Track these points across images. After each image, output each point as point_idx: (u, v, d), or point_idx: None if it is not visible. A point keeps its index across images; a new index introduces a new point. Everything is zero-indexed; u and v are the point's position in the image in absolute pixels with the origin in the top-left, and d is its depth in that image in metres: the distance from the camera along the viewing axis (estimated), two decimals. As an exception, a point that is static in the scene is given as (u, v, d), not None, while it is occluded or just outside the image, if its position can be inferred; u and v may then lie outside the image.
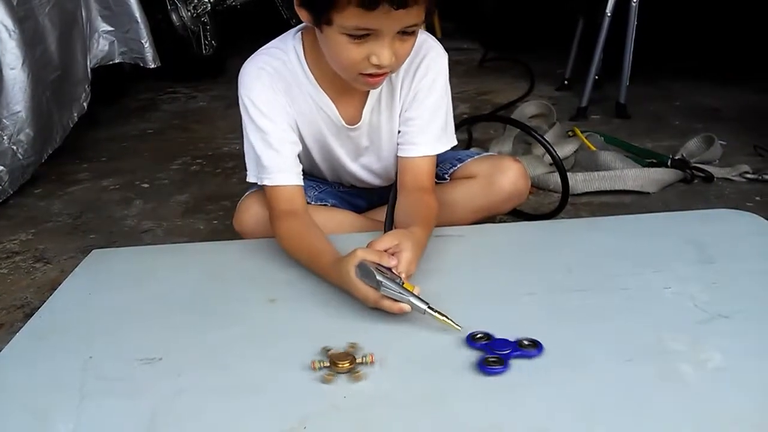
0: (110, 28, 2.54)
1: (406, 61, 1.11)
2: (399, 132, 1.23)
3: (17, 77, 2.00)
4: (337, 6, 0.95)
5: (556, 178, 1.73)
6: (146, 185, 2.02)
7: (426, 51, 1.18)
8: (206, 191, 1.94)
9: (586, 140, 1.95)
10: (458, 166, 1.34)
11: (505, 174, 1.29)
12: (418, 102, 1.20)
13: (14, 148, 1.98)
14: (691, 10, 2.65)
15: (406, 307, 0.91)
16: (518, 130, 2.03)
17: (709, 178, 1.76)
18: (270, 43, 1.21)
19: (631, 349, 0.87)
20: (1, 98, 1.97)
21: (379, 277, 0.91)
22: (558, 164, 1.56)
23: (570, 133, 2.12)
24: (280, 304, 1.03)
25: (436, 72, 1.19)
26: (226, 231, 1.66)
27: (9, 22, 1.98)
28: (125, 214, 1.81)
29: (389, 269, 0.93)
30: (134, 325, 1.00)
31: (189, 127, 2.64)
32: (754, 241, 1.24)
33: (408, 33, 1.01)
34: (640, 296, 1.02)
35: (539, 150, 1.92)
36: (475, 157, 1.36)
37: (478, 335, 0.89)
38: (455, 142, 1.26)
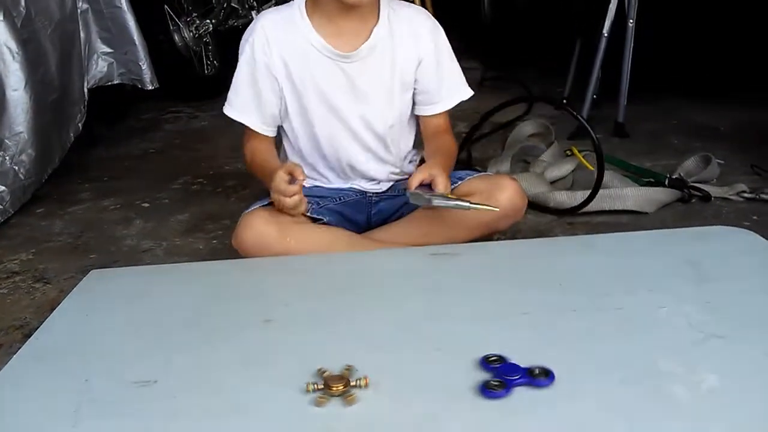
0: (109, 50, 2.57)
1: (407, 23, 1.33)
2: (414, 93, 1.39)
3: (20, 98, 2.02)
4: None
5: (556, 197, 1.74)
6: (147, 204, 2.03)
7: (423, 20, 1.37)
8: (206, 210, 1.95)
9: (583, 160, 1.96)
10: (457, 184, 1.37)
11: (502, 191, 1.33)
12: (426, 66, 1.36)
13: (16, 168, 2.00)
14: (690, 29, 2.67)
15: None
16: (517, 149, 2.04)
17: (706, 197, 1.77)
18: None
19: (625, 371, 0.87)
20: (4, 119, 1.99)
21: (427, 196, 1.23)
22: (596, 145, 1.68)
23: (568, 153, 2.13)
24: (276, 325, 1.03)
25: (437, 35, 1.37)
26: (225, 250, 1.66)
27: (13, 44, 2.01)
28: (125, 234, 1.82)
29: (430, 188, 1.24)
30: (130, 346, 1.00)
31: (191, 146, 2.66)
32: (750, 259, 1.24)
33: None
34: (635, 316, 1.02)
35: (538, 168, 1.93)
36: (474, 176, 1.40)
37: (492, 357, 0.88)
38: (471, 92, 1.43)
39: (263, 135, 1.39)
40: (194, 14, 3.48)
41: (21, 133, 2.01)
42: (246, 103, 1.36)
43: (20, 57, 2.02)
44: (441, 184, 1.24)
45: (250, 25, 1.34)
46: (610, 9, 2.26)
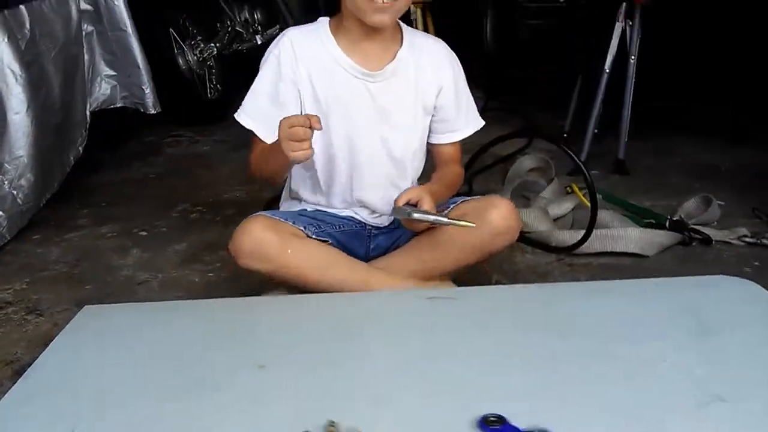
0: (113, 72, 2.58)
1: (428, 52, 1.37)
2: (431, 120, 1.41)
3: (21, 122, 2.01)
4: None
5: (558, 236, 1.73)
6: (144, 233, 2.02)
7: (443, 50, 1.41)
8: (204, 240, 1.94)
9: (583, 198, 1.95)
10: (451, 207, 1.38)
11: (495, 209, 1.33)
12: (446, 95, 1.39)
13: (14, 193, 1.99)
14: (692, 67, 2.69)
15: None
16: (517, 183, 2.04)
17: (707, 240, 1.76)
18: None
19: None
20: (4, 142, 1.99)
21: (408, 210, 1.26)
22: (590, 186, 1.69)
23: (568, 190, 2.12)
24: (270, 371, 1.02)
25: (456, 66, 1.41)
26: (221, 284, 1.66)
27: (16, 67, 2.01)
28: (121, 264, 1.80)
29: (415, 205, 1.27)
30: (122, 390, 0.98)
31: (191, 172, 2.65)
32: (751, 310, 1.23)
33: None
34: (637, 368, 1.01)
35: (538, 205, 1.93)
36: (467, 199, 1.42)
37: (492, 418, 0.86)
38: (482, 123, 1.47)
39: None
40: (199, 38, 3.50)
41: (21, 157, 2.00)
42: (262, 113, 1.33)
43: (23, 79, 2.02)
44: (426, 204, 1.27)
45: (277, 38, 1.35)
46: (612, 45, 2.28)
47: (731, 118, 2.80)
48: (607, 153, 2.54)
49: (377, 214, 1.44)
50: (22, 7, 2.07)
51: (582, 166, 1.74)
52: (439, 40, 1.45)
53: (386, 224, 1.45)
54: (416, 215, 1.25)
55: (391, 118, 1.36)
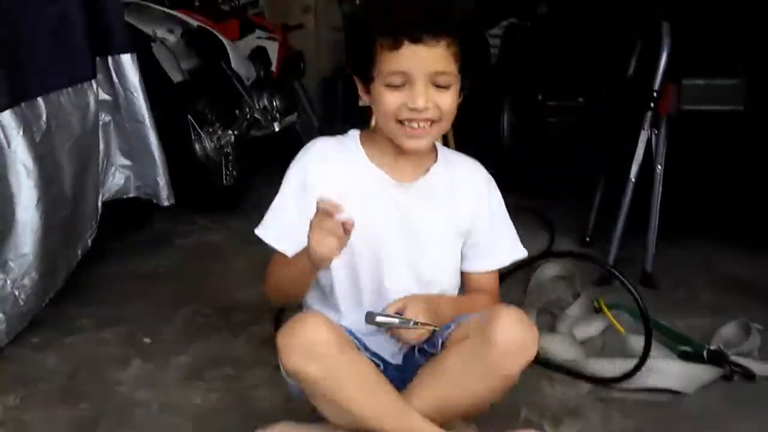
0: (128, 163, 2.53)
1: (466, 177, 1.30)
2: (463, 245, 1.32)
3: (30, 218, 1.94)
4: (373, 57, 1.14)
5: (593, 365, 1.61)
6: (148, 340, 1.91)
7: (480, 172, 1.34)
8: (210, 351, 1.84)
9: (614, 320, 1.84)
10: (451, 327, 1.20)
11: (497, 322, 1.12)
12: (481, 219, 1.30)
13: (17, 293, 1.90)
14: (718, 175, 2.62)
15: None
16: (542, 300, 1.94)
17: (749, 375, 1.64)
18: None
19: None
20: (11, 239, 1.91)
21: (376, 314, 1.15)
22: (644, 316, 1.58)
23: (595, 305, 2.01)
24: None
25: (493, 190, 1.33)
26: (225, 411, 1.54)
27: (29, 161, 1.95)
28: (121, 378, 1.69)
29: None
30: None
31: (202, 266, 2.57)
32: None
33: (442, 86, 1.14)
34: None
35: (565, 324, 1.82)
36: (471, 316, 1.22)
37: None
38: (523, 252, 1.35)
39: None
40: (217, 124, 3.49)
41: (26, 255, 1.92)
42: (286, 229, 1.23)
43: (35, 174, 1.96)
44: (410, 312, 1.16)
45: (304, 148, 1.30)
46: (637, 153, 2.21)
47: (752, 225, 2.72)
48: (631, 260, 2.44)
49: (393, 351, 1.30)
50: (39, 99, 2.04)
51: (639, 300, 1.61)
52: (476, 161, 1.37)
53: (401, 363, 1.32)
54: (379, 319, 1.15)
55: (420, 236, 1.27)
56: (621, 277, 1.68)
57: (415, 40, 1.11)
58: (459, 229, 1.30)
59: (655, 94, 2.14)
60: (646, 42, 2.36)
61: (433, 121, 1.17)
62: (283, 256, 1.23)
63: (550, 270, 2.26)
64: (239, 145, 3.60)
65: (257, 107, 3.82)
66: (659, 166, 2.19)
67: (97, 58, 2.36)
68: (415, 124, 1.16)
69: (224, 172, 3.50)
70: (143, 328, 1.99)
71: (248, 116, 3.74)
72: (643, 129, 2.18)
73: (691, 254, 2.63)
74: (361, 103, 1.28)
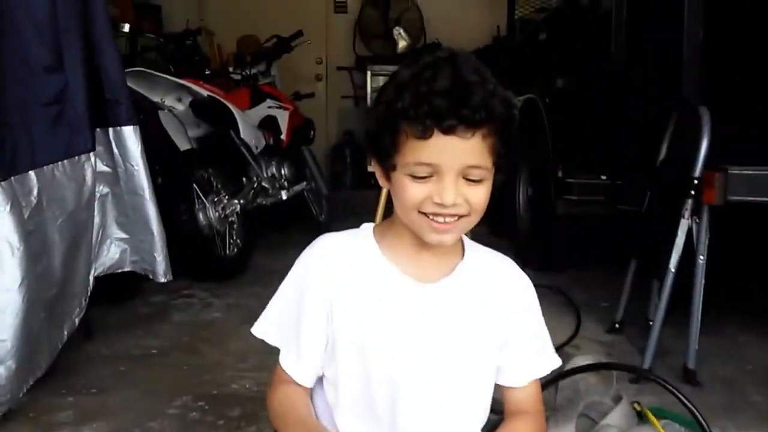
0: (124, 236, 2.39)
1: (500, 277, 1.11)
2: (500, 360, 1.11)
3: (11, 300, 1.77)
4: (398, 144, 0.97)
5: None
6: (133, 439, 1.71)
7: (514, 271, 1.14)
8: (201, 456, 1.63)
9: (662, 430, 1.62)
10: None
11: None
12: (514, 326, 1.10)
13: (-10, 384, 1.71)
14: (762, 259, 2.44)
15: None
16: (578, 407, 1.72)
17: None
18: None
19: None
20: (-12, 325, 1.74)
21: None
22: None
23: (636, 407, 1.79)
24: None
25: (528, 292, 1.13)
26: None
27: (15, 238, 1.79)
28: (98, 490, 1.48)
29: None
30: None
31: (197, 348, 2.37)
32: None
33: (474, 180, 0.97)
34: None
35: (605, 437, 1.60)
36: None
37: None
38: (558, 362, 1.15)
39: (298, 384, 1.09)
40: (223, 193, 3.36)
41: (4, 341, 1.74)
42: (285, 337, 1.09)
43: (21, 252, 1.80)
44: None
45: (309, 248, 1.11)
46: (677, 243, 2.03)
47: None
48: (667, 352, 2.24)
49: None
50: (31, 172, 1.90)
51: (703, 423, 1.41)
52: (506, 258, 1.17)
53: None
54: None
55: (446, 347, 1.06)
56: (685, 399, 1.46)
57: (448, 130, 0.94)
58: (493, 337, 1.09)
59: (695, 182, 1.97)
60: (680, 125, 2.23)
61: (461, 216, 1.00)
62: (284, 373, 1.08)
63: (581, 361, 2.05)
64: (245, 213, 3.47)
65: (265, 175, 3.70)
66: (701, 257, 2.00)
67: (98, 130, 2.25)
68: (441, 219, 0.99)
69: (228, 241, 3.36)
70: (131, 422, 1.78)
71: (255, 185, 3.62)
72: (683, 217, 2.00)
73: (731, 343, 2.44)
74: (370, 169, 1.12)
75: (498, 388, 1.14)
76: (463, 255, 1.10)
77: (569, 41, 3.46)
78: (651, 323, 2.48)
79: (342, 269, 1.06)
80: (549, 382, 1.94)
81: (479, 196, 0.98)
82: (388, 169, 1.00)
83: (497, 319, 1.09)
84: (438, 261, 1.07)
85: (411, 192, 0.98)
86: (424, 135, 0.94)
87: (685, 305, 2.14)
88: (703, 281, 2.03)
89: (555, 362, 1.15)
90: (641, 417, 1.79)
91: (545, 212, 3.19)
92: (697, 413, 1.46)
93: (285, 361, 1.08)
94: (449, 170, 0.95)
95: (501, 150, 0.98)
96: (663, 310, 2.09)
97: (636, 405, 1.82)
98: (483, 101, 0.94)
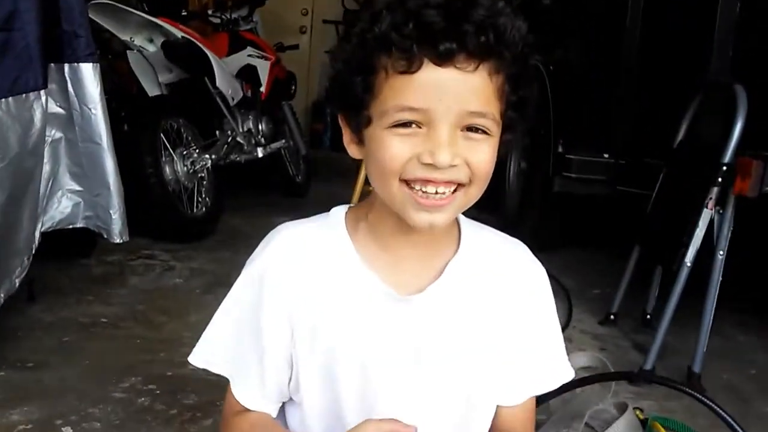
0: (78, 188, 2.12)
1: (499, 260, 0.85)
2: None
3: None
4: (373, 86, 0.72)
5: None
6: (68, 430, 1.47)
7: (524, 261, 0.87)
8: (147, 451, 1.41)
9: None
10: None
11: None
12: (520, 329, 0.85)
13: None
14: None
15: None
16: (585, 418, 1.54)
17: None
18: None
19: None
20: None
21: None
22: None
23: (640, 415, 1.62)
24: None
25: (541, 286, 0.88)
26: None
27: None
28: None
29: None
30: None
31: (154, 319, 2.14)
32: None
33: (475, 129, 0.72)
34: None
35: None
36: None
37: None
38: (570, 374, 0.91)
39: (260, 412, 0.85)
40: (193, 146, 3.09)
41: None
42: (240, 364, 0.84)
43: (-52, 203, 1.54)
44: None
45: (265, 240, 0.85)
46: (697, 235, 1.83)
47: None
48: (668, 351, 2.07)
49: None
50: (-36, 109, 1.63)
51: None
52: (518, 244, 0.90)
53: None
54: None
55: (431, 364, 0.82)
56: (730, 419, 1.26)
57: (443, 58, 0.69)
58: (490, 348, 0.84)
59: (724, 168, 1.76)
60: (705, 105, 2.02)
61: (458, 186, 0.73)
62: (234, 398, 0.84)
63: (578, 359, 1.87)
64: (216, 169, 3.20)
65: (241, 130, 3.43)
66: (721, 252, 1.81)
67: (51, 65, 1.96)
68: (431, 188, 0.72)
69: (196, 198, 3.10)
70: (67, 407, 1.55)
71: (229, 139, 3.34)
72: (706, 207, 1.79)
73: (731, 343, 2.29)
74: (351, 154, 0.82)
75: None
76: (458, 244, 0.83)
77: (577, 5, 3.21)
78: (649, 316, 2.33)
79: (305, 274, 0.81)
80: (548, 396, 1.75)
81: (483, 157, 0.73)
82: (361, 124, 0.75)
83: (498, 317, 0.84)
84: (424, 259, 0.82)
85: (391, 150, 0.72)
86: (410, 67, 0.69)
87: (688, 298, 1.97)
88: (720, 278, 1.84)
89: (565, 374, 0.91)
90: (645, 426, 1.63)
91: (540, 189, 2.98)
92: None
93: (244, 395, 0.84)
94: (444, 117, 0.70)
95: (512, 97, 0.74)
96: (673, 307, 1.90)
97: (639, 413, 1.65)
98: (491, 18, 0.70)
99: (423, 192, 0.72)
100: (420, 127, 0.71)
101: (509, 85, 0.73)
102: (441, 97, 0.69)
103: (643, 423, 1.64)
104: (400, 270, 0.81)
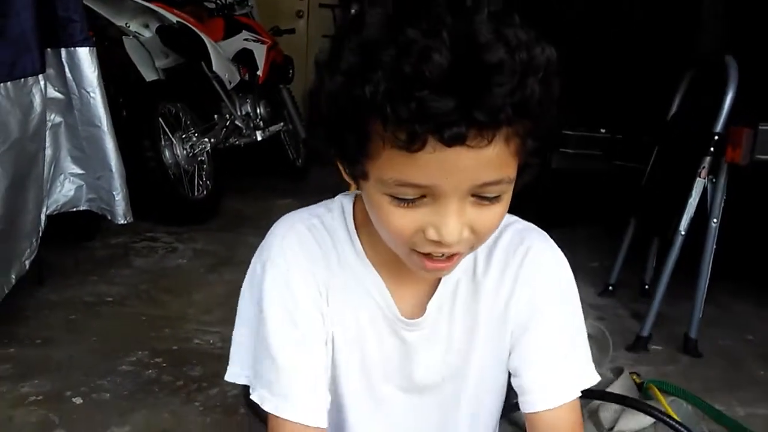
0: (80, 171, 2.15)
1: (511, 257, 0.75)
2: (511, 374, 0.78)
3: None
4: (368, 149, 0.59)
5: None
6: (78, 400, 1.51)
7: (544, 256, 0.76)
8: (155, 425, 1.44)
9: (671, 412, 1.47)
10: None
11: None
12: (536, 332, 0.75)
13: None
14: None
15: None
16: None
17: None
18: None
19: None
20: None
21: None
22: None
23: (636, 379, 1.66)
24: None
25: (563, 284, 0.77)
26: None
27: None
28: (32, 460, 1.30)
29: None
30: None
31: (158, 297, 2.17)
32: None
33: (487, 198, 0.61)
34: None
35: (607, 415, 1.45)
36: None
37: None
38: (597, 377, 0.76)
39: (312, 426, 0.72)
40: (192, 130, 3.11)
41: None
42: (280, 375, 0.71)
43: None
44: None
45: (269, 235, 0.75)
46: (690, 203, 1.86)
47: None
48: (665, 319, 2.10)
49: None
50: (-35, 94, 1.65)
51: None
52: (541, 232, 0.79)
53: None
54: None
55: (429, 384, 0.78)
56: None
57: (451, 141, 0.56)
58: (495, 358, 0.79)
59: (716, 138, 1.79)
60: (699, 76, 2.03)
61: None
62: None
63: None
64: (216, 154, 3.22)
65: (239, 113, 3.44)
66: (714, 220, 1.84)
67: (48, 50, 1.98)
68: (439, 254, 0.65)
69: (197, 182, 3.12)
70: (76, 380, 1.59)
71: (228, 123, 3.36)
72: (699, 176, 1.82)
73: (729, 313, 2.31)
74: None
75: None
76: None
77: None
78: (647, 287, 2.36)
79: (323, 273, 0.74)
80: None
81: (493, 219, 0.64)
82: (356, 176, 0.65)
83: (510, 321, 0.77)
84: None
85: (394, 222, 0.63)
86: (410, 147, 0.56)
87: (683, 269, 2.00)
88: (714, 246, 1.87)
89: (590, 378, 0.76)
90: (642, 390, 1.66)
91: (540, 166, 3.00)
92: None
93: (294, 409, 0.70)
94: (452, 193, 0.60)
95: (532, 146, 0.61)
96: (667, 275, 1.93)
97: (635, 377, 1.69)
98: (511, 91, 0.55)
99: (431, 257, 0.65)
100: (424, 197, 0.61)
101: (532, 139, 0.60)
102: (448, 176, 0.59)
103: (639, 386, 1.68)
104: (404, 281, 0.75)
